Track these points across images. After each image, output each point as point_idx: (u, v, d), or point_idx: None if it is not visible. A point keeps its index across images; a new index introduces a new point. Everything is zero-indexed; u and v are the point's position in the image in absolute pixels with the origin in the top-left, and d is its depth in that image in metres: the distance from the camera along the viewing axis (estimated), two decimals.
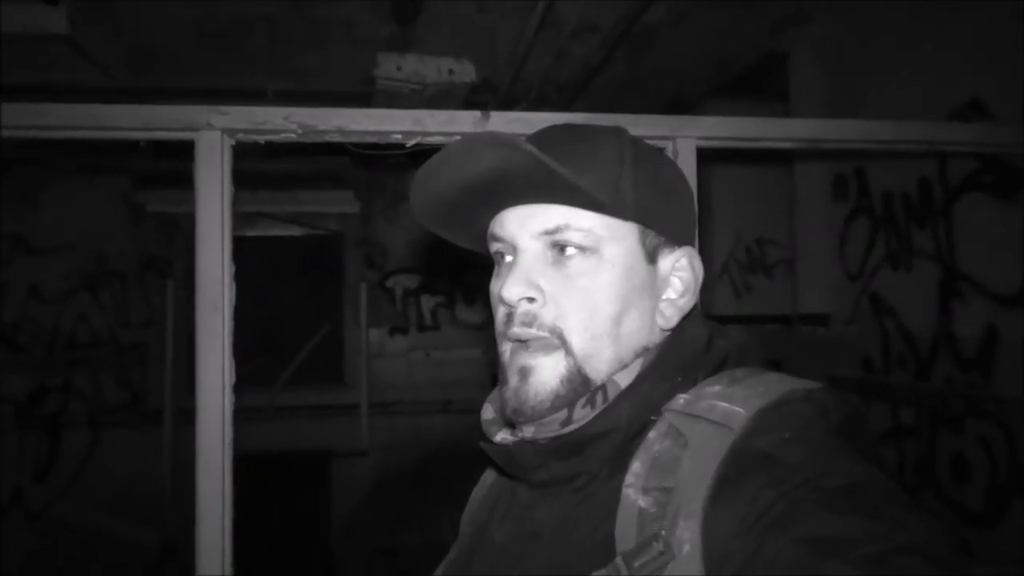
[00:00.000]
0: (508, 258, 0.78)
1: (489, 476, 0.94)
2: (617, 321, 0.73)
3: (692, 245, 0.80)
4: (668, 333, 0.78)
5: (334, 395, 4.97)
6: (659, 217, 0.76)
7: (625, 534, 0.64)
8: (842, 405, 0.67)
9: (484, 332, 5.16)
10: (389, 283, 5.11)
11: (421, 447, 4.91)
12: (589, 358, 0.73)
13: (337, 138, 1.56)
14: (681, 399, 0.70)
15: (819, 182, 2.86)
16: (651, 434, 0.69)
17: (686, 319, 0.79)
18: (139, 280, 4.77)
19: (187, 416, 4.53)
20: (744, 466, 0.61)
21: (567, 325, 0.73)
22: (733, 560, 0.57)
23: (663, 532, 0.61)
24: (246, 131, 1.53)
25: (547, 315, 0.73)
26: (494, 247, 0.80)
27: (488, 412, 0.85)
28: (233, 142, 1.54)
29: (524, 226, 0.75)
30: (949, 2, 2.16)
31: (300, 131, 1.53)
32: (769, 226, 3.51)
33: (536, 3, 2.45)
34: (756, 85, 3.42)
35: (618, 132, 0.78)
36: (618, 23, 2.74)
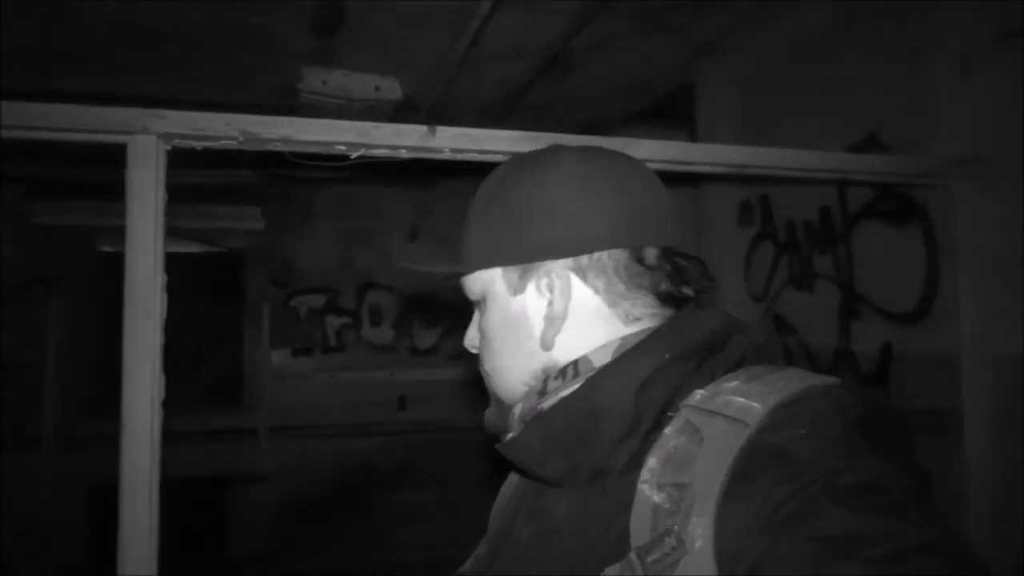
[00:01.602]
0: None
1: (515, 474, 0.97)
2: (505, 355, 0.84)
3: (578, 249, 0.78)
4: (662, 323, 0.79)
5: (233, 418, 4.76)
6: (504, 252, 0.81)
7: (640, 529, 0.65)
8: (862, 401, 0.67)
9: (391, 353, 5.10)
10: (293, 303, 4.97)
11: (325, 471, 4.77)
12: (496, 387, 0.86)
13: (280, 147, 1.53)
14: (698, 395, 0.71)
15: (726, 207, 3.02)
16: (667, 430, 0.69)
17: (691, 311, 0.80)
18: (21, 297, 4.42)
19: (74, 442, 4.23)
20: (758, 462, 0.61)
21: (485, 365, 0.87)
22: (746, 557, 0.57)
23: (676, 528, 0.61)
24: (184, 136, 1.47)
25: (481, 358, 0.88)
26: None
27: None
28: (169, 147, 1.48)
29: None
30: (847, 45, 2.35)
31: (242, 138, 1.49)
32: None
33: (463, 25, 2.49)
34: (668, 113, 3.59)
35: (493, 172, 0.86)
36: (543, 48, 2.82)
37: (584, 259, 0.79)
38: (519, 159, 0.85)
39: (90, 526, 4.22)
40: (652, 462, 0.67)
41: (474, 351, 0.89)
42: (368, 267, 5.08)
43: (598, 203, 0.78)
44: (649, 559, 0.61)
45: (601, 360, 0.77)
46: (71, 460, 4.18)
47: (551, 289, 0.79)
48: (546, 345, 0.80)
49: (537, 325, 0.81)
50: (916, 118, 2.07)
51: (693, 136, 3.27)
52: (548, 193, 0.79)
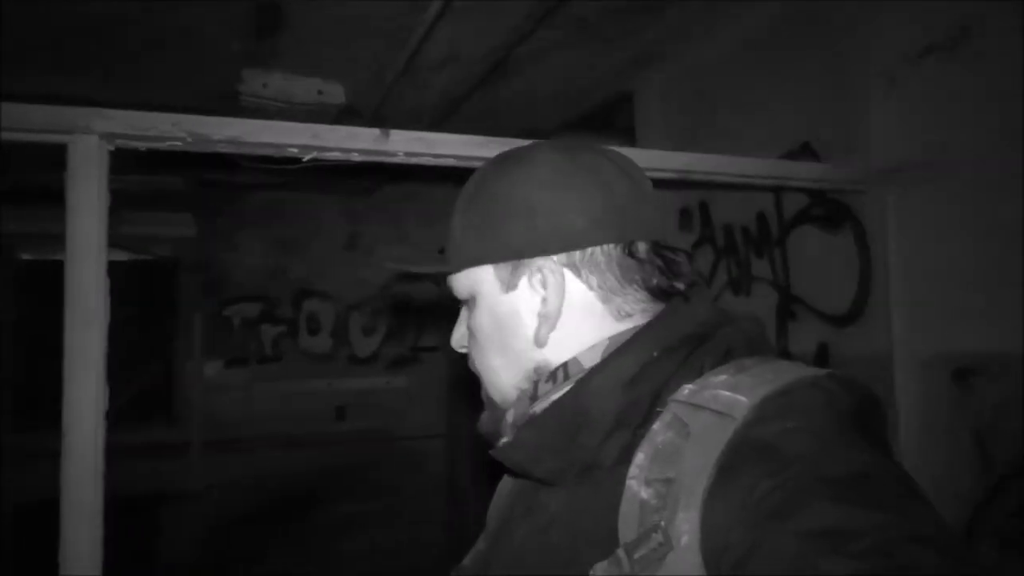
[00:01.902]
0: None
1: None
2: (497, 355, 0.83)
3: (568, 246, 0.78)
4: (666, 307, 0.79)
5: (164, 433, 4.59)
6: (494, 249, 0.80)
7: (627, 525, 0.64)
8: (852, 391, 0.67)
9: (329, 362, 5.01)
10: (227, 312, 4.83)
11: (261, 485, 4.65)
12: (490, 387, 0.85)
13: (229, 149, 1.49)
14: (686, 389, 0.70)
15: (665, 212, 3.09)
16: (655, 425, 0.69)
17: (677, 305, 0.79)
18: None
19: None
20: (744, 456, 0.60)
21: (474, 365, 0.88)
22: (732, 552, 0.56)
23: (663, 523, 0.61)
24: (128, 137, 1.42)
25: (471, 357, 0.88)
26: None
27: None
28: (112, 148, 1.42)
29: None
30: (780, 57, 2.44)
31: (190, 139, 1.45)
32: None
33: (407, 32, 2.48)
34: (605, 122, 3.65)
35: (479, 169, 0.86)
36: (484, 57, 2.83)
37: (577, 254, 0.78)
38: (502, 157, 0.84)
39: (16, 546, 4.01)
40: (640, 457, 0.67)
41: (462, 351, 0.89)
42: (304, 275, 4.99)
43: (587, 198, 0.78)
44: (636, 555, 0.61)
45: (590, 361, 0.77)
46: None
47: (544, 285, 0.78)
48: (540, 342, 0.79)
49: (530, 323, 0.80)
50: (847, 128, 2.16)
51: (632, 144, 3.34)
52: (537, 189, 0.79)
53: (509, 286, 0.81)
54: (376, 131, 1.56)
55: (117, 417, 4.23)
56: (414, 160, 1.62)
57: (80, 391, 1.37)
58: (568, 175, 0.79)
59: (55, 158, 1.41)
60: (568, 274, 0.78)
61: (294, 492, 4.74)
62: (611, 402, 0.72)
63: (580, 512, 0.74)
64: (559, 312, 0.78)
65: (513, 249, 0.79)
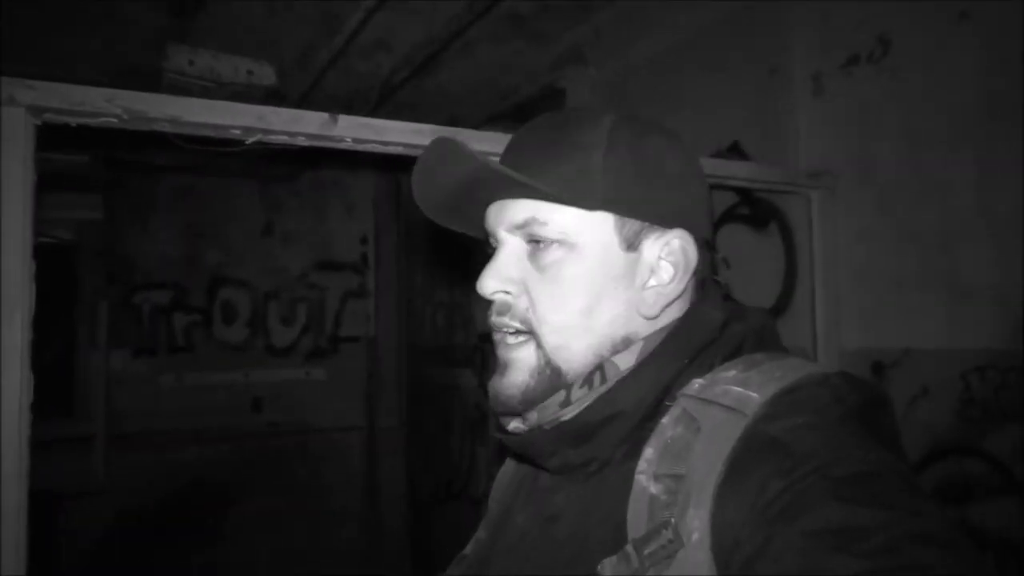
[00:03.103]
0: (492, 251, 0.81)
1: (514, 460, 0.95)
2: (587, 312, 0.74)
3: (691, 228, 0.77)
4: (687, 313, 0.78)
5: (62, 427, 4.32)
6: (639, 203, 0.75)
7: (636, 521, 0.64)
8: (861, 389, 0.67)
9: (245, 352, 4.85)
10: (135, 299, 4.59)
11: (169, 482, 4.45)
12: (559, 349, 0.74)
13: (168, 128, 1.42)
14: (696, 384, 0.70)
15: None
16: (665, 420, 0.69)
17: (705, 302, 0.79)
18: None
19: None
20: (755, 453, 0.60)
21: (536, 316, 0.75)
22: (742, 551, 0.56)
23: (673, 519, 0.61)
24: (57, 111, 1.33)
25: (520, 305, 0.76)
26: (490, 240, 0.82)
27: None
28: (39, 122, 1.33)
29: (500, 220, 0.78)
30: (709, 59, 2.52)
31: (126, 116, 1.36)
32: None
33: (341, 19, 2.42)
34: (532, 115, 3.66)
35: (597, 116, 0.78)
36: (416, 47, 2.80)
37: (702, 238, 0.78)
38: (628, 118, 0.79)
39: None
40: (649, 452, 0.67)
41: (498, 297, 0.78)
42: (219, 262, 4.80)
43: (705, 184, 0.82)
44: (645, 551, 0.61)
45: (626, 364, 0.75)
46: None
47: (675, 258, 0.76)
48: (651, 314, 0.76)
49: (636, 290, 0.76)
50: (775, 130, 2.25)
51: None
52: (685, 164, 0.79)
53: (630, 245, 0.76)
54: (324, 115, 1.52)
55: None
56: (361, 147, 1.58)
57: (3, 382, 1.28)
58: (696, 161, 0.82)
59: None
60: (696, 254, 0.77)
61: (206, 488, 4.56)
62: (640, 410, 0.71)
63: (587, 506, 0.73)
64: (680, 289, 0.76)
65: (658, 212, 0.76)
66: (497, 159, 0.79)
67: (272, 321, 4.92)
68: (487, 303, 0.79)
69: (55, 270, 4.49)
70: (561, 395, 0.75)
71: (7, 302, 1.29)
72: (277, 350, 4.92)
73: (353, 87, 3.22)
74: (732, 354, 0.74)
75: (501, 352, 0.78)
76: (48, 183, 4.01)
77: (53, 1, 2.52)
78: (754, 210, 2.32)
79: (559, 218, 0.74)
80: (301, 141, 1.55)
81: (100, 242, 4.48)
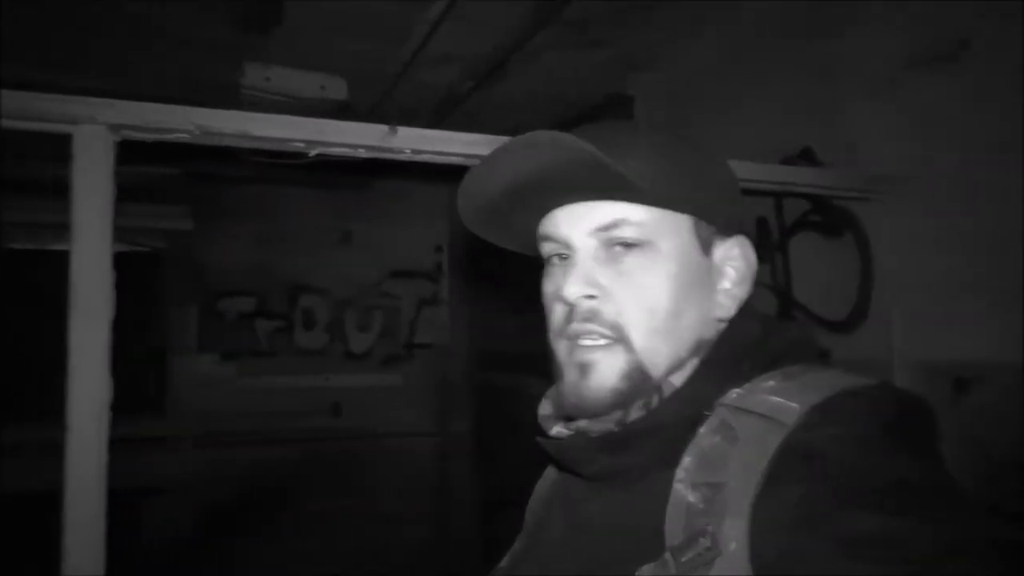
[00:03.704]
0: (558, 260, 0.80)
1: (552, 471, 0.95)
2: (676, 315, 0.74)
3: (742, 233, 0.81)
4: (723, 327, 0.79)
5: (156, 426, 4.57)
6: (710, 207, 0.77)
7: (674, 529, 0.64)
8: (900, 400, 0.67)
9: (325, 357, 5.01)
10: (221, 306, 4.82)
11: (251, 480, 4.63)
12: (649, 353, 0.74)
13: (236, 143, 1.49)
14: (734, 393, 0.70)
15: None
16: (702, 429, 0.69)
17: (740, 313, 0.79)
18: None
19: None
20: (793, 463, 0.60)
21: (627, 321, 0.73)
22: (779, 560, 0.57)
23: (710, 528, 0.61)
24: (134, 128, 1.42)
25: (607, 311, 0.74)
26: (547, 248, 0.81)
27: (545, 408, 0.87)
28: (118, 139, 1.42)
29: (578, 224, 0.75)
30: (780, 62, 2.45)
31: (197, 132, 1.45)
32: None
33: (410, 31, 2.48)
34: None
35: (661, 127, 0.81)
36: (484, 58, 2.83)
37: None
38: (676, 133, 0.81)
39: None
40: (687, 461, 0.67)
41: (584, 302, 0.75)
42: (299, 270, 4.98)
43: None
44: (683, 559, 0.61)
45: (680, 381, 0.76)
46: None
47: (738, 263, 0.79)
48: (726, 315, 0.78)
49: (712, 292, 0.78)
50: (841, 134, 2.17)
51: None
52: (726, 168, 0.83)
53: (706, 249, 0.77)
54: (384, 128, 1.57)
55: (113, 408, 4.18)
56: (420, 157, 1.62)
57: (84, 384, 1.37)
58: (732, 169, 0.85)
59: (57, 148, 1.41)
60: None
61: (285, 487, 4.73)
62: (681, 423, 0.71)
63: (624, 513, 0.73)
64: (747, 293, 0.79)
65: (724, 217, 0.78)
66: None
67: (349, 328, 5.07)
68: (563, 308, 0.77)
69: (149, 277, 4.76)
70: (619, 413, 0.75)
71: (88, 308, 1.38)
72: (354, 356, 5.07)
73: (420, 99, 3.29)
74: (770, 365, 0.73)
75: (579, 355, 0.75)
76: (140, 195, 4.25)
77: (139, 23, 2.68)
78: (827, 218, 2.24)
79: (647, 220, 0.74)
80: (361, 153, 1.60)
81: (189, 251, 4.74)
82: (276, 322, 4.94)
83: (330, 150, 1.57)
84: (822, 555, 0.54)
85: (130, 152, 1.49)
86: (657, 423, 0.72)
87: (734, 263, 0.79)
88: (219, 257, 4.82)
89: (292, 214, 4.98)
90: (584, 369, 0.74)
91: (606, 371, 0.73)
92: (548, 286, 0.81)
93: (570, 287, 0.74)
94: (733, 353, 0.75)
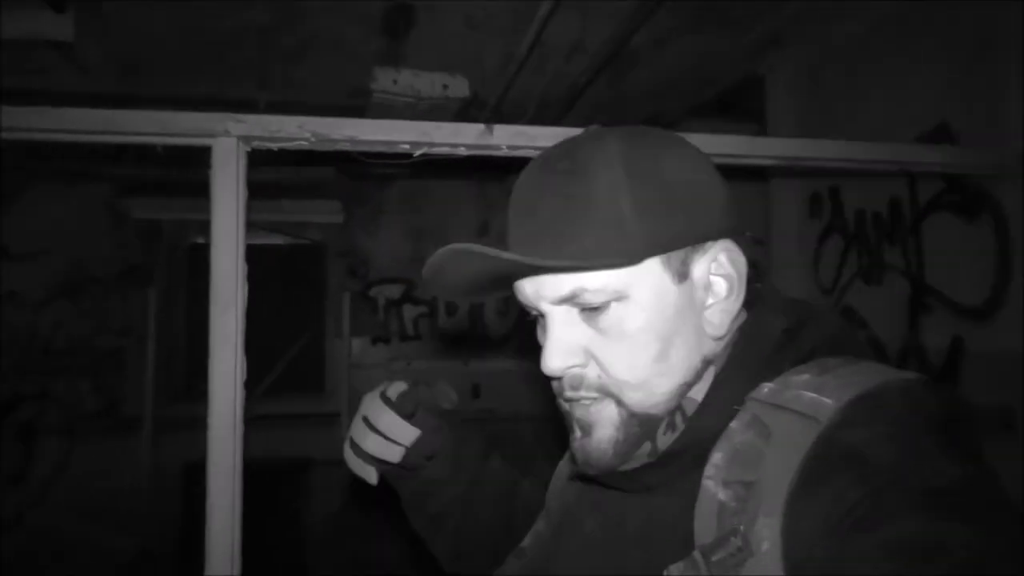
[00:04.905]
0: (540, 316, 0.76)
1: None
2: (662, 358, 0.70)
3: (730, 234, 0.74)
4: (744, 324, 0.75)
5: (314, 403, 4.98)
6: (679, 233, 0.70)
7: (704, 527, 0.63)
8: (941, 399, 0.63)
9: (466, 342, 5.23)
10: (372, 293, 5.16)
11: None
12: (641, 403, 0.71)
13: (347, 147, 1.63)
14: (766, 388, 0.67)
15: (794, 200, 2.99)
16: (733, 424, 0.66)
17: (761, 308, 0.76)
18: (117, 287, 4.76)
19: (167, 424, 4.52)
20: (830, 462, 0.58)
21: (612, 380, 0.71)
22: (815, 562, 0.54)
23: (742, 527, 0.59)
24: (261, 138, 1.59)
25: (591, 375, 0.72)
26: (525, 307, 0.78)
27: None
28: (248, 149, 1.60)
29: (541, 295, 0.72)
30: (915, 36, 2.30)
31: (313, 139, 1.60)
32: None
33: (528, 23, 2.55)
34: (734, 106, 3.56)
35: (603, 151, 0.71)
36: (605, 45, 2.85)
37: (743, 238, 0.75)
38: (627, 134, 0.74)
39: (183, 501, 4.54)
40: (717, 458, 0.65)
41: (567, 372, 0.72)
42: None
43: (723, 183, 0.76)
44: (714, 558, 0.59)
45: (701, 394, 0.72)
46: (168, 440, 4.49)
47: (723, 269, 0.72)
48: (720, 333, 0.73)
49: (698, 314, 0.72)
50: (984, 110, 2.01)
51: (763, 128, 3.24)
52: (699, 171, 0.73)
53: (681, 276, 0.71)
54: (480, 127, 1.65)
55: (275, 387, 4.59)
56: (516, 153, 1.69)
57: (222, 365, 1.56)
58: (706, 158, 0.76)
59: (204, 157, 1.61)
60: (743, 256, 0.74)
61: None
62: (718, 433, 0.68)
63: (653, 511, 0.72)
64: (741, 294, 0.73)
65: (696, 232, 0.71)
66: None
67: (489, 314, 5.26)
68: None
69: (308, 268, 5.19)
70: (647, 447, 0.72)
71: (224, 298, 1.56)
72: (493, 341, 5.25)
73: (547, 91, 3.35)
74: (804, 358, 0.70)
75: (579, 414, 0.73)
76: (298, 193, 4.61)
77: (289, 35, 2.93)
78: (963, 198, 2.09)
79: (606, 280, 0.69)
80: (462, 151, 1.69)
81: (341, 242, 5.12)
82: (421, 308, 5.22)
83: (433, 150, 1.67)
84: (860, 558, 0.52)
85: (290, 156, 1.67)
86: (691, 441, 0.70)
87: (721, 272, 0.73)
88: (369, 247, 5.16)
89: (435, 205, 5.23)
90: (585, 428, 0.73)
91: (605, 427, 0.72)
92: (540, 339, 0.77)
93: (549, 362, 0.71)
94: (757, 354, 0.72)
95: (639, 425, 0.71)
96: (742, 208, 0.75)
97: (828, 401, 0.61)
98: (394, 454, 0.97)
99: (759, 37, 2.98)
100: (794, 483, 0.58)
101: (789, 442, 0.60)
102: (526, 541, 0.92)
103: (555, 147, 0.76)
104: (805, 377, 0.66)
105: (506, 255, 0.67)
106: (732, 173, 0.82)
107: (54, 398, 4.59)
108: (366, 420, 0.99)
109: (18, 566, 4.30)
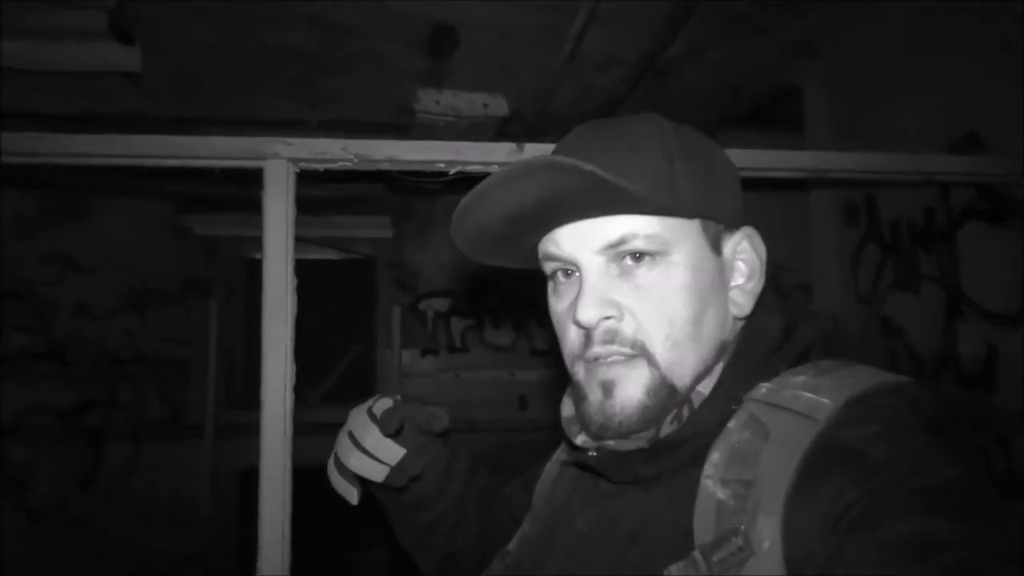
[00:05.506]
0: (564, 276, 0.77)
1: (563, 453, 0.94)
2: (696, 323, 0.71)
3: (745, 225, 0.78)
4: (744, 324, 0.77)
5: None
6: (716, 205, 0.74)
7: (703, 526, 0.63)
8: (936, 400, 0.65)
9: (512, 354, 5.31)
10: (421, 306, 5.30)
11: None
12: (673, 366, 0.71)
13: (387, 167, 1.74)
14: (763, 388, 0.68)
15: (832, 209, 3.00)
16: (731, 424, 0.67)
17: (760, 308, 0.77)
18: (180, 299, 5.01)
19: (226, 431, 4.71)
20: (828, 461, 0.58)
21: (648, 336, 0.71)
22: (815, 561, 0.55)
23: (742, 527, 0.59)
24: (308, 160, 1.71)
25: (627, 329, 0.71)
26: (550, 266, 0.78)
27: (567, 408, 0.83)
28: (297, 169, 1.72)
29: (583, 242, 0.72)
30: (945, 43, 2.31)
31: (356, 160, 1.72)
32: (785, 253, 3.64)
33: (563, 38, 2.64)
34: (770, 115, 3.59)
35: (656, 121, 0.76)
36: (641, 57, 2.92)
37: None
38: (671, 123, 0.77)
39: (240, 505, 4.73)
40: (715, 457, 0.65)
41: (608, 323, 0.72)
42: (487, 271, 5.30)
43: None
44: (714, 558, 0.60)
45: (708, 389, 0.73)
46: (227, 446, 4.69)
47: (747, 255, 0.76)
48: (744, 313, 0.75)
49: (728, 290, 0.76)
50: (1011, 114, 2.02)
51: (801, 138, 3.26)
52: (728, 164, 0.80)
53: (716, 248, 0.74)
54: (512, 145, 1.75)
55: (329, 397, 4.75)
56: None
57: (273, 373, 1.67)
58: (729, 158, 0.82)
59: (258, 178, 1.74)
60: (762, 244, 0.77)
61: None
62: (716, 428, 0.69)
63: (651, 509, 0.72)
64: (762, 286, 0.76)
65: (727, 213, 0.75)
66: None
67: (533, 326, 5.34)
68: (579, 331, 0.74)
69: (360, 281, 5.35)
70: (651, 432, 0.72)
71: (275, 309, 1.68)
72: (539, 352, 5.33)
73: (585, 105, 3.42)
74: (798, 359, 0.72)
75: (601, 373, 0.72)
76: (348, 209, 4.78)
77: (336, 56, 3.06)
78: (992, 206, 2.10)
79: (656, 231, 0.70)
80: (494, 169, 1.78)
81: (391, 256, 5.28)
82: (468, 320, 5.33)
83: (467, 168, 1.77)
84: (859, 557, 0.53)
85: (338, 174, 1.78)
86: (691, 435, 0.70)
87: (744, 256, 0.76)
88: (418, 261, 5.31)
89: None
90: (608, 387, 0.71)
91: (631, 387, 0.71)
92: (556, 305, 0.78)
93: (585, 311, 0.70)
94: (758, 352, 0.73)
95: (668, 395, 0.70)
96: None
97: (826, 401, 0.62)
98: (377, 474, 0.94)
99: (790, 45, 3.01)
100: (793, 482, 0.59)
101: (787, 441, 0.61)
102: (512, 544, 0.91)
103: (601, 119, 0.80)
104: (802, 378, 0.67)
105: (587, 165, 0.64)
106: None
107: (121, 405, 4.85)
108: (351, 436, 0.97)
109: (83, 565, 4.53)
